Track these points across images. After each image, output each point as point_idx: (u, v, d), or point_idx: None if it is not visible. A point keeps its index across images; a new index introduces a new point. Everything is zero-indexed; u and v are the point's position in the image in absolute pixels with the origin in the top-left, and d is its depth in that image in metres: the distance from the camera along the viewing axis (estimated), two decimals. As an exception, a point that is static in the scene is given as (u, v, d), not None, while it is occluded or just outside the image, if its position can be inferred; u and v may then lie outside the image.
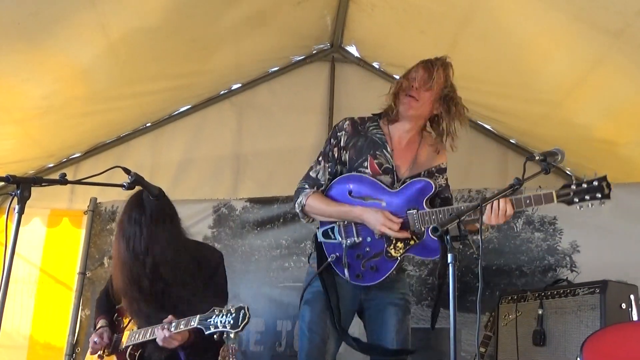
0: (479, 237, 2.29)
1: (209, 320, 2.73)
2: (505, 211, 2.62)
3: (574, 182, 2.59)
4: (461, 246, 2.28)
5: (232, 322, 2.66)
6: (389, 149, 3.00)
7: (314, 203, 2.97)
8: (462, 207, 2.72)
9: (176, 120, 5.37)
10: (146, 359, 3.09)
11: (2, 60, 3.71)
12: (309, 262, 3.14)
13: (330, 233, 2.95)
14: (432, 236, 2.78)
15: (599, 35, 3.45)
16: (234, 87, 5.41)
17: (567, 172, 5.02)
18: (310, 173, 3.07)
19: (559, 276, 3.90)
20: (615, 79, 3.74)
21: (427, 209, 2.82)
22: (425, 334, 4.04)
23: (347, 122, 3.08)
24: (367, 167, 2.97)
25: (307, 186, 3.03)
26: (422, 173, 3.01)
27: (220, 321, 2.69)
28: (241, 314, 2.65)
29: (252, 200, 4.65)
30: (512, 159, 5.09)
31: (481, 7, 3.82)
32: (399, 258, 2.86)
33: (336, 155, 3.03)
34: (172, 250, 3.08)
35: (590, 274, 3.63)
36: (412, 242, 2.86)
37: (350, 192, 2.96)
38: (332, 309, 2.90)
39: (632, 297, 3.11)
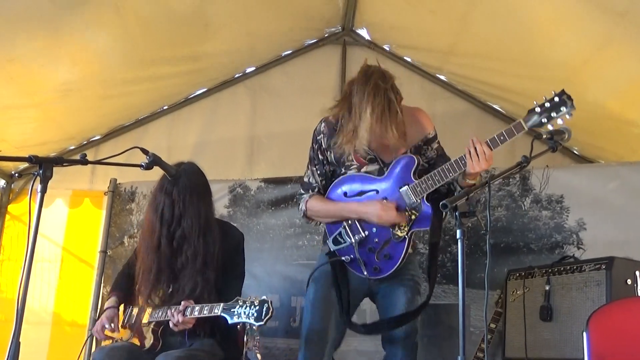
0: (487, 214, 2.29)
1: (232, 310, 2.74)
2: (485, 154, 2.65)
3: (535, 104, 2.64)
4: (470, 224, 2.27)
5: (255, 314, 2.67)
6: None
7: (313, 206, 3.02)
8: (447, 166, 2.74)
9: (192, 103, 5.37)
10: (167, 335, 3.10)
11: (22, 46, 3.75)
12: (322, 245, 3.13)
13: (339, 238, 2.94)
14: (427, 204, 2.80)
15: (605, 16, 3.42)
16: (248, 70, 5.38)
17: (574, 151, 4.98)
18: (304, 179, 3.11)
19: (565, 253, 3.89)
20: (622, 59, 3.70)
21: (417, 181, 2.82)
22: (434, 309, 4.05)
23: (323, 125, 3.05)
24: (352, 161, 2.97)
25: (302, 191, 3.08)
26: (409, 151, 2.96)
27: (244, 312, 2.70)
28: (265, 308, 2.66)
29: (266, 181, 4.66)
30: (519, 139, 4.95)
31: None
32: (406, 237, 2.84)
33: (321, 157, 3.05)
34: (200, 224, 3.10)
35: (597, 251, 3.62)
36: (413, 217, 2.84)
37: (345, 194, 2.98)
38: (342, 301, 2.90)
39: (637, 273, 3.09)
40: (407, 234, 2.84)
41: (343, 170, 3.00)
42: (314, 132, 3.10)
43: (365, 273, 2.88)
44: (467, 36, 4.40)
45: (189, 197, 3.09)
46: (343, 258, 2.91)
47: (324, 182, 3.06)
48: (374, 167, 2.96)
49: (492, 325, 3.63)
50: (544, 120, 2.63)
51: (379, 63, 3.00)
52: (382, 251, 2.86)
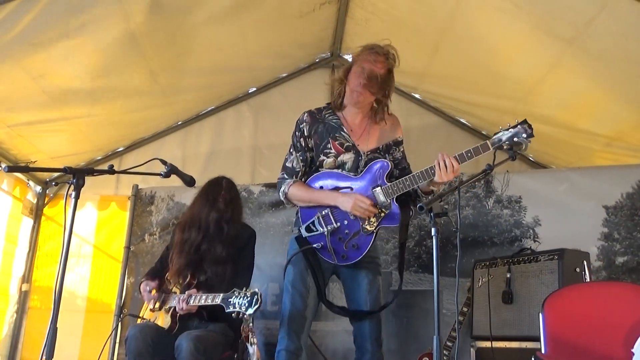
0: (457, 213, 2.32)
1: (229, 300, 2.76)
2: (453, 167, 2.63)
3: (501, 129, 2.60)
4: (443, 221, 2.29)
5: (246, 304, 2.68)
6: (345, 130, 2.96)
7: (295, 192, 2.93)
8: (417, 174, 2.72)
9: (202, 119, 5.36)
10: (185, 319, 3.14)
11: (52, 62, 3.74)
12: (294, 228, 3.05)
13: (312, 227, 2.88)
14: (395, 204, 2.79)
15: (556, 41, 3.47)
16: (250, 90, 5.40)
17: (530, 158, 5.02)
18: (286, 164, 3.02)
19: (524, 246, 3.91)
20: (570, 78, 3.75)
21: (389, 183, 2.79)
22: (412, 294, 4.09)
23: (306, 114, 3.03)
24: (331, 149, 2.92)
25: (286, 176, 2.99)
26: (381, 147, 2.97)
27: (238, 302, 2.72)
28: (254, 299, 2.68)
29: (267, 185, 4.67)
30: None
31: (457, 19, 3.84)
32: (374, 231, 2.82)
33: (303, 144, 2.98)
34: (234, 218, 3.34)
35: (550, 244, 3.65)
36: (382, 215, 2.81)
37: (321, 188, 2.92)
38: (319, 286, 2.86)
39: (584, 262, 3.16)
40: (375, 229, 2.82)
41: (321, 157, 2.93)
42: (297, 121, 3.04)
43: (334, 260, 2.84)
44: (438, 60, 4.44)
45: (237, 202, 3.43)
46: (315, 245, 2.85)
47: (305, 168, 2.98)
48: (349, 155, 2.91)
49: (465, 309, 3.65)
50: (507, 142, 2.57)
51: None
52: (351, 241, 2.82)
